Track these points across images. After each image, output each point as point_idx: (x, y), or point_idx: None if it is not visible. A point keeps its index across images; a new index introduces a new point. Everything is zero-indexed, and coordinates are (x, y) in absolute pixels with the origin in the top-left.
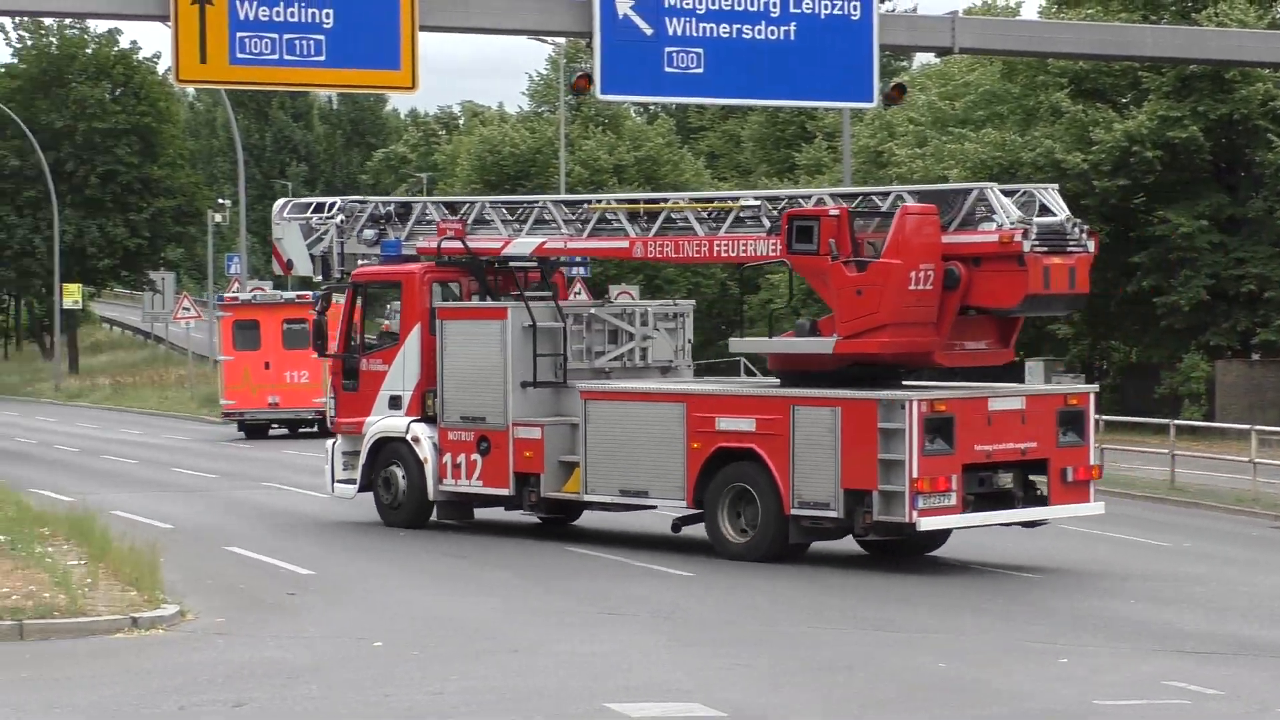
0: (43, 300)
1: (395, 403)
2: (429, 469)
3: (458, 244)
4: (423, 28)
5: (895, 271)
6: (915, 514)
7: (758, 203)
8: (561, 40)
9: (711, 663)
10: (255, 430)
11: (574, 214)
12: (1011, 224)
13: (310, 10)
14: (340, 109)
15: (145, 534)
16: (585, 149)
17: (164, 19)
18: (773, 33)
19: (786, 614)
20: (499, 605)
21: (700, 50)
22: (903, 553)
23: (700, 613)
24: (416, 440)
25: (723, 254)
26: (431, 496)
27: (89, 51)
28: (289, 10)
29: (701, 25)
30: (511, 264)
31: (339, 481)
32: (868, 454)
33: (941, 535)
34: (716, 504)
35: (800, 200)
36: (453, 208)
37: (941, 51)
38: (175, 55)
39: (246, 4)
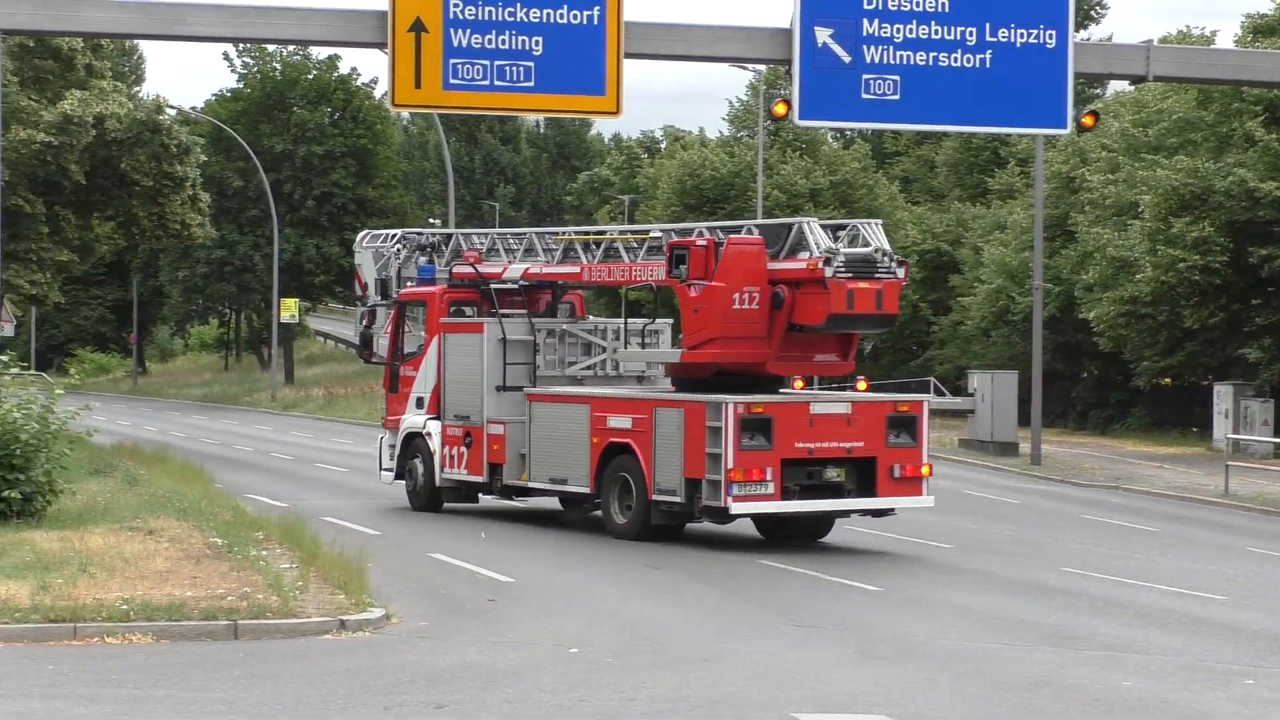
0: (261, 314)
1: (420, 403)
2: (436, 460)
3: (469, 269)
4: (628, 55)
5: (720, 293)
6: (730, 500)
7: (661, 235)
8: (762, 68)
9: (898, 676)
10: None
11: (552, 244)
12: (819, 254)
13: (521, 38)
14: (546, 133)
15: (353, 540)
16: (783, 173)
17: (382, 46)
18: (969, 60)
19: (975, 629)
20: (692, 615)
21: (897, 78)
22: (795, 537)
23: (888, 626)
24: (429, 435)
25: (638, 277)
26: (438, 483)
27: (309, 77)
28: (500, 38)
29: (899, 53)
30: (525, 285)
31: (384, 469)
32: (700, 448)
33: (826, 525)
34: (608, 490)
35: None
36: (486, 238)
37: (1136, 79)
38: (392, 81)
39: (460, 32)
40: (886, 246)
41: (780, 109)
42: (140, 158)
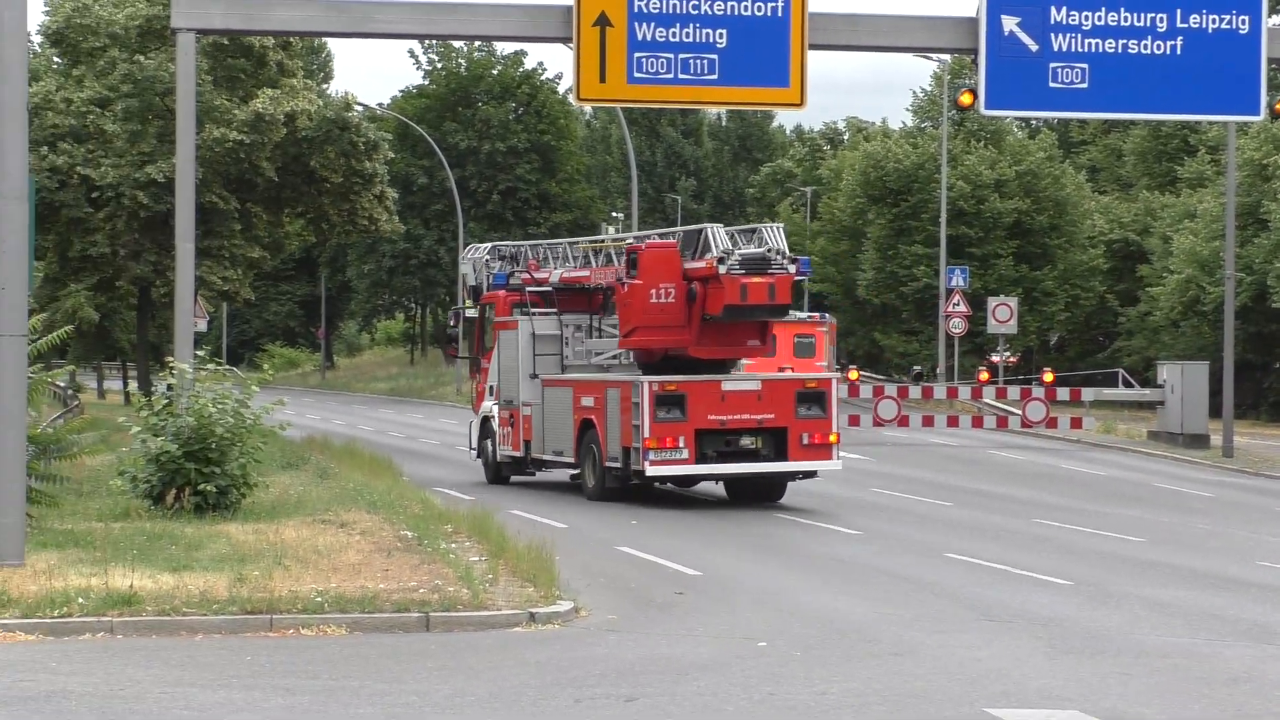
0: (445, 308)
1: (490, 391)
2: (496, 439)
3: (526, 275)
4: (811, 46)
5: (639, 290)
6: (646, 464)
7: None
8: (946, 57)
9: (1092, 671)
10: None
11: (575, 252)
12: (717, 254)
13: (705, 31)
14: (728, 125)
15: (540, 533)
16: (967, 164)
17: (567, 41)
18: (1159, 47)
19: (1169, 624)
20: (880, 608)
21: (1085, 66)
22: (754, 498)
23: (1081, 621)
24: (492, 418)
25: (614, 280)
26: (498, 459)
27: (494, 73)
28: (685, 31)
29: (1087, 41)
30: (579, 286)
31: (471, 449)
32: (629, 421)
33: (780, 488)
34: (584, 459)
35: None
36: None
37: None
38: (577, 75)
39: (645, 26)
40: (781, 246)
41: (966, 99)
42: (330, 154)
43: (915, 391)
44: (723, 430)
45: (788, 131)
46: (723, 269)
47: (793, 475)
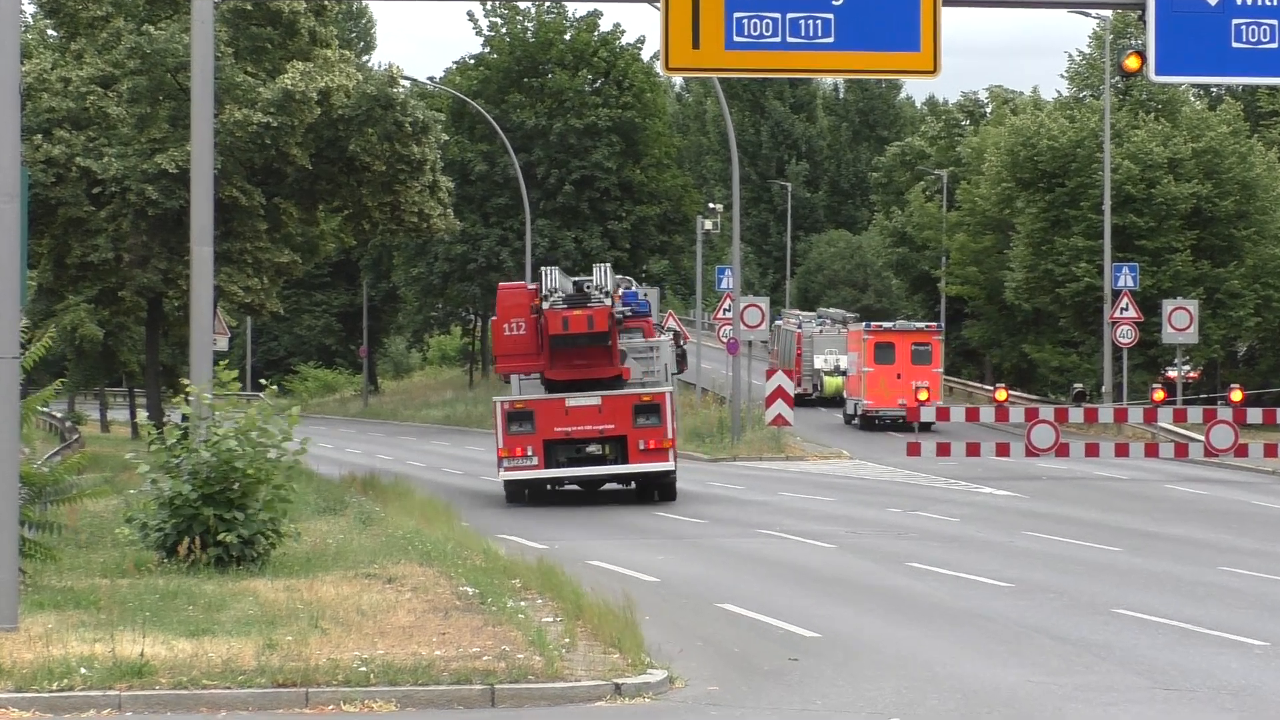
0: None
1: None
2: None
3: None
4: (946, 3)
5: (496, 325)
6: (501, 471)
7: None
8: (1108, 14)
9: None
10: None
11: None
12: (544, 293)
13: None
14: (847, 98)
15: (627, 588)
16: (1135, 140)
17: (653, 0)
18: None
19: None
20: (1037, 674)
21: (1274, 23)
22: (652, 498)
23: (1278, 690)
24: None
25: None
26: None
27: (566, 38)
28: None
29: None
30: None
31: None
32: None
33: (665, 489)
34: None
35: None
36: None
37: None
38: (665, 40)
39: None
40: (603, 282)
41: (1132, 63)
42: (371, 138)
43: (1076, 414)
44: (569, 440)
45: (918, 104)
46: (546, 305)
47: (657, 477)
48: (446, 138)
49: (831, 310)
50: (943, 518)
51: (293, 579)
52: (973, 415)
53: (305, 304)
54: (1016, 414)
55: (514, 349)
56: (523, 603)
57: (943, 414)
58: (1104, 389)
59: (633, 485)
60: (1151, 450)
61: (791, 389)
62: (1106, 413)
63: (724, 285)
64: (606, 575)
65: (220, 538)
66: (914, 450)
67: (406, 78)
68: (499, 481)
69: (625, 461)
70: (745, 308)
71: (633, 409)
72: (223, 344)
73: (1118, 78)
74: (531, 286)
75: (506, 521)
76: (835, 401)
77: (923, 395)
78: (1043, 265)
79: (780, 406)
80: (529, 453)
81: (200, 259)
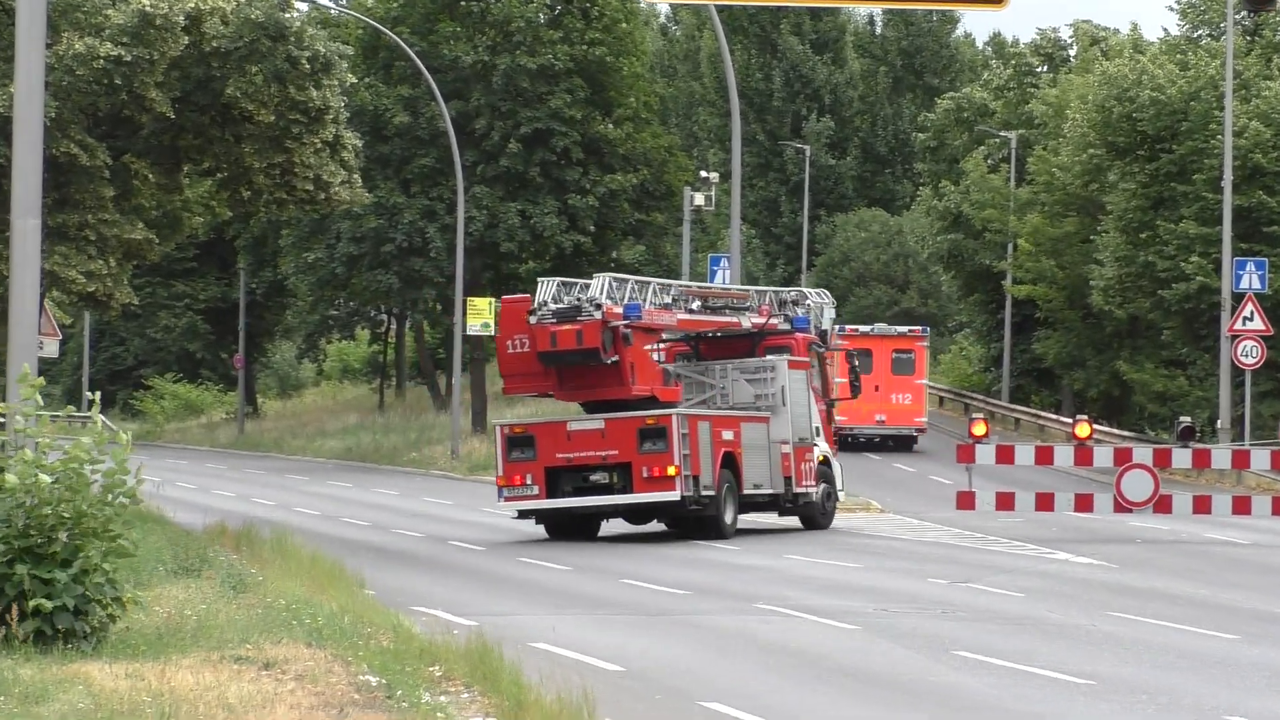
0: (437, 322)
1: None
2: None
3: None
4: None
5: (499, 341)
6: (502, 500)
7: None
8: None
9: None
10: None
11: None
12: (532, 307)
13: None
14: (886, 35)
15: (584, 679)
16: (1267, 95)
17: None
18: None
19: None
20: None
21: None
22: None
23: None
24: None
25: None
26: None
27: None
28: None
29: None
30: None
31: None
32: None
33: (707, 521)
34: None
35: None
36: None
37: None
38: None
39: None
40: (596, 296)
41: None
42: (255, 79)
43: (1182, 457)
44: (572, 467)
45: (979, 44)
46: (533, 320)
47: (663, 505)
48: (355, 79)
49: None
50: (1003, 592)
51: (138, 662)
52: (1045, 456)
53: (163, 297)
54: (1103, 456)
55: (519, 368)
56: (444, 697)
57: (1004, 453)
58: (1220, 424)
59: (662, 524)
60: None
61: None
62: (1223, 456)
63: (719, 279)
64: (557, 662)
65: (38, 606)
66: (966, 502)
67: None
68: (501, 507)
69: (630, 491)
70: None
71: (637, 433)
72: (51, 348)
73: (1243, 12)
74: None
75: (426, 588)
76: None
77: (979, 429)
78: (1141, 258)
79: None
80: (529, 481)
81: (23, 235)
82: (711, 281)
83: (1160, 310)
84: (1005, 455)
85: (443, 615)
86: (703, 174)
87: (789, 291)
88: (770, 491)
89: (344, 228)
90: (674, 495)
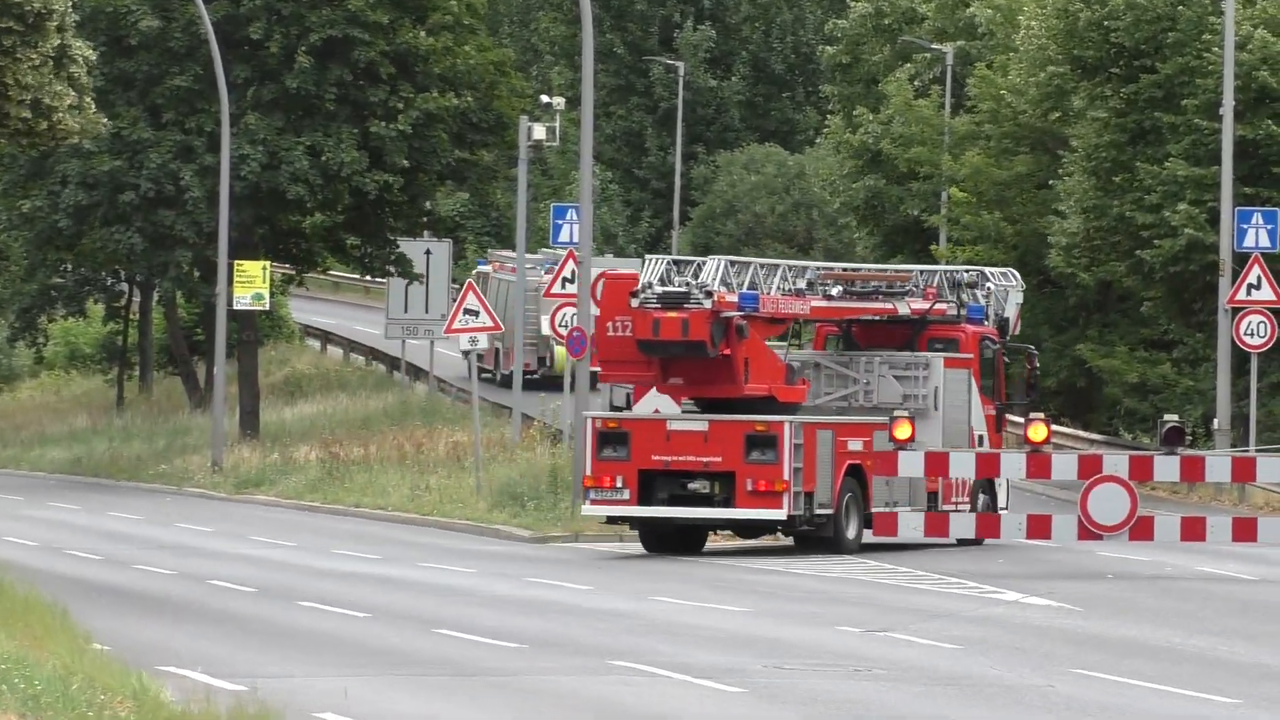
0: (194, 294)
1: None
2: None
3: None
4: None
5: (598, 323)
6: (587, 503)
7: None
8: None
9: None
10: None
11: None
12: (635, 288)
13: None
14: None
15: None
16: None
17: None
18: None
19: None
20: None
21: None
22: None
23: None
24: None
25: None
26: None
27: None
28: None
29: None
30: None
31: None
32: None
33: (831, 540)
34: None
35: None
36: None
37: None
38: None
39: None
40: (707, 280)
41: None
42: None
43: (1167, 467)
44: (670, 472)
45: None
46: (635, 302)
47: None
48: None
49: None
50: (932, 643)
51: None
52: (989, 466)
53: None
54: (1065, 466)
55: (618, 353)
56: None
57: (936, 463)
58: (1217, 424)
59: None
60: None
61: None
62: (1220, 465)
63: (565, 237)
64: None
65: None
66: (885, 526)
67: None
68: (584, 511)
69: (732, 505)
70: (602, 278)
71: (744, 439)
72: None
73: None
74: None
75: (179, 641)
76: (535, 384)
77: (902, 430)
78: (1115, 209)
79: None
80: (619, 484)
81: None
82: (555, 240)
83: (1139, 276)
84: (937, 465)
85: (200, 677)
86: (544, 99)
87: (966, 272)
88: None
89: (71, 169)
90: (780, 514)
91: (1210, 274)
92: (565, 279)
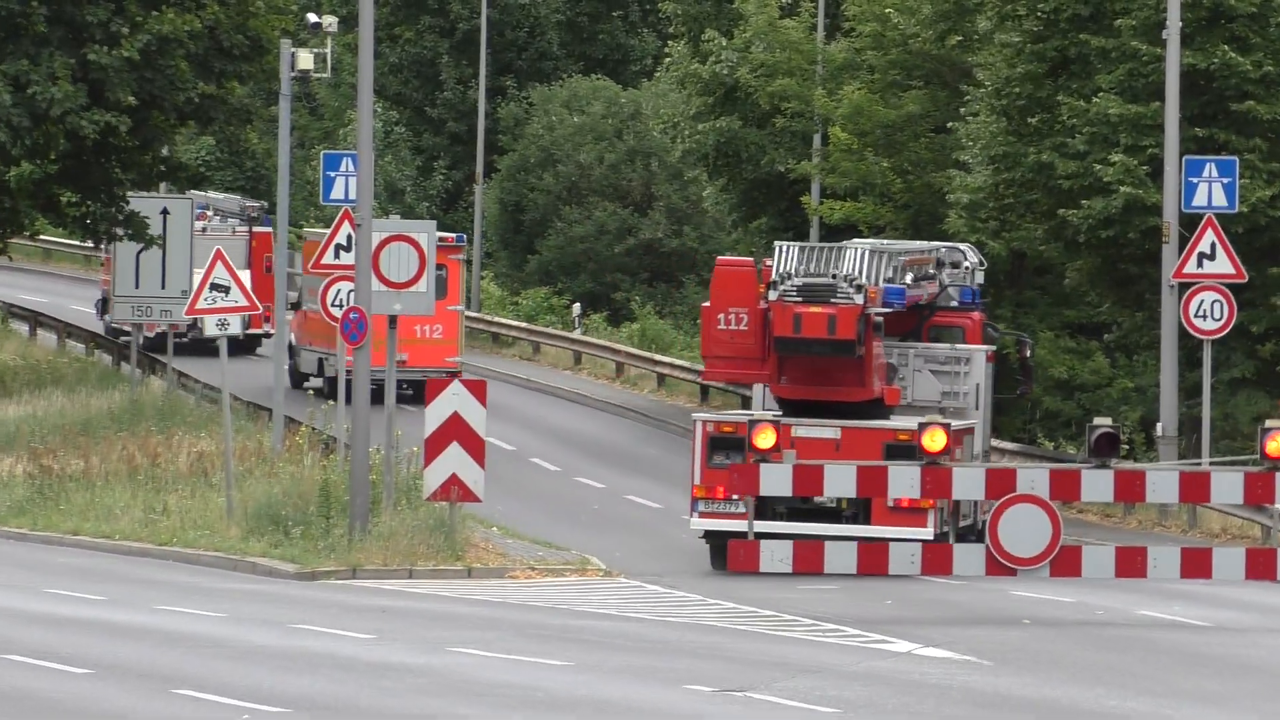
0: None
1: None
2: None
3: None
4: None
5: (707, 314)
6: (695, 515)
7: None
8: None
9: None
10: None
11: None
12: (773, 278)
13: None
14: None
15: None
16: None
17: None
18: None
19: None
20: None
21: None
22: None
23: None
24: None
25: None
26: None
27: None
28: None
29: None
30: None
31: None
32: (691, 465)
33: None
34: None
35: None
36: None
37: None
38: None
39: None
40: (855, 273)
41: None
42: None
43: (1099, 484)
44: None
45: None
46: (774, 294)
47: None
48: None
49: (223, 196)
50: (804, 705)
51: None
52: (872, 483)
53: None
54: (969, 482)
55: (731, 349)
56: None
57: (806, 478)
58: (1161, 429)
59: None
60: (1259, 565)
61: (480, 416)
62: (1166, 482)
63: (339, 193)
64: None
65: None
66: (743, 558)
67: None
68: (692, 525)
69: (868, 521)
70: (385, 243)
71: (883, 449)
72: None
73: None
74: (767, 263)
75: None
76: (243, 347)
77: (764, 437)
78: (1032, 157)
79: (454, 459)
80: (734, 495)
81: None
82: (326, 197)
83: (1061, 243)
84: (808, 480)
85: None
86: (312, 19)
87: (942, 248)
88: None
89: None
90: (927, 533)
91: (1151, 240)
92: (340, 246)
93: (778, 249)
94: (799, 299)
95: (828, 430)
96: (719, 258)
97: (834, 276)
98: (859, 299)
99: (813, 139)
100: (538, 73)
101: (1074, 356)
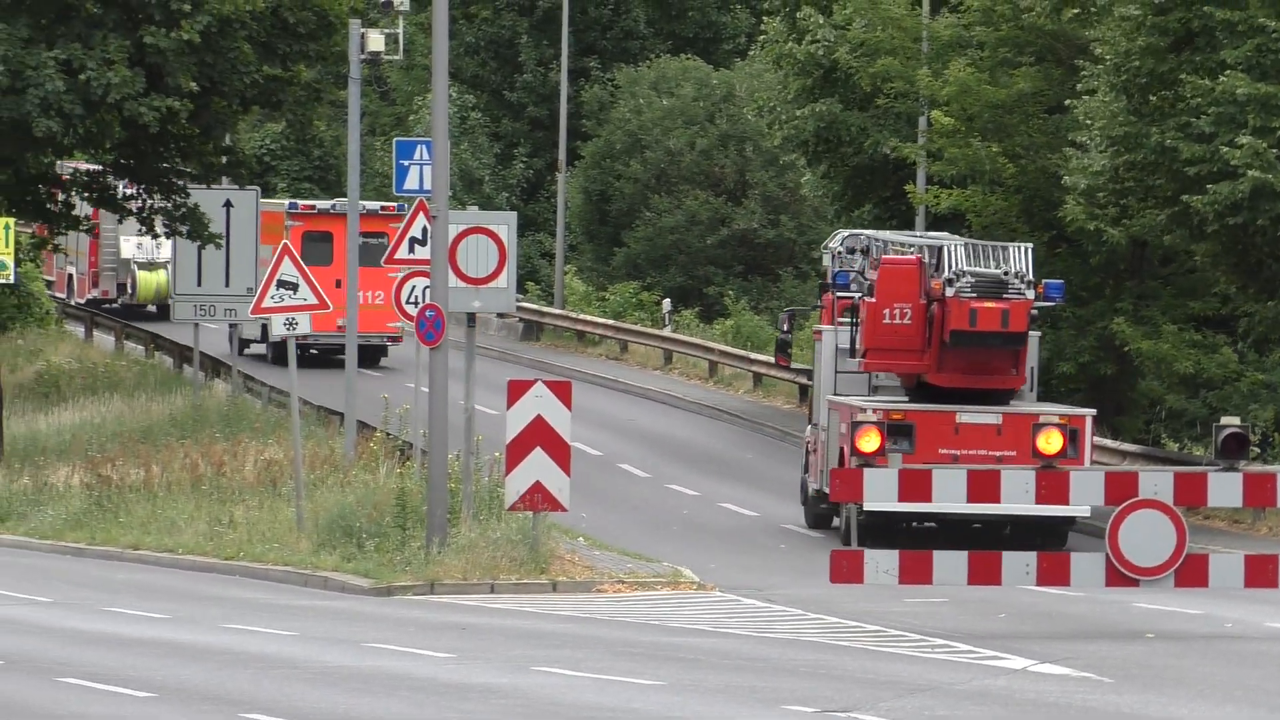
0: None
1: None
2: (805, 470)
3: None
4: None
5: (872, 309)
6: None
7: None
8: None
9: None
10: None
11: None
12: (947, 275)
13: None
14: None
15: None
16: None
17: None
18: None
19: None
20: None
21: None
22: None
23: None
24: (807, 443)
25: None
26: (810, 494)
27: None
28: None
29: None
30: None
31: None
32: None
33: (1058, 536)
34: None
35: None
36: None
37: None
38: None
39: None
40: (1023, 270)
41: None
42: None
43: (1226, 487)
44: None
45: None
46: (950, 291)
47: (1061, 522)
48: None
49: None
50: None
51: None
52: (984, 488)
53: None
54: (1087, 486)
55: (894, 342)
56: None
57: (913, 484)
58: None
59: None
60: None
61: (565, 420)
62: None
63: (413, 183)
64: None
65: None
66: (846, 569)
67: None
68: (866, 505)
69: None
70: (463, 236)
71: (1032, 431)
72: None
73: None
74: (928, 260)
75: None
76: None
77: (869, 440)
78: (1154, 139)
79: (538, 465)
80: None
81: None
82: (399, 187)
83: (1186, 229)
84: (915, 486)
85: None
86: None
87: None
88: None
89: None
90: (1085, 510)
91: None
92: (414, 239)
93: (945, 249)
94: (974, 295)
95: (989, 416)
96: (885, 256)
97: (1005, 273)
98: (1029, 294)
99: (918, 121)
100: (623, 53)
101: (1200, 351)
